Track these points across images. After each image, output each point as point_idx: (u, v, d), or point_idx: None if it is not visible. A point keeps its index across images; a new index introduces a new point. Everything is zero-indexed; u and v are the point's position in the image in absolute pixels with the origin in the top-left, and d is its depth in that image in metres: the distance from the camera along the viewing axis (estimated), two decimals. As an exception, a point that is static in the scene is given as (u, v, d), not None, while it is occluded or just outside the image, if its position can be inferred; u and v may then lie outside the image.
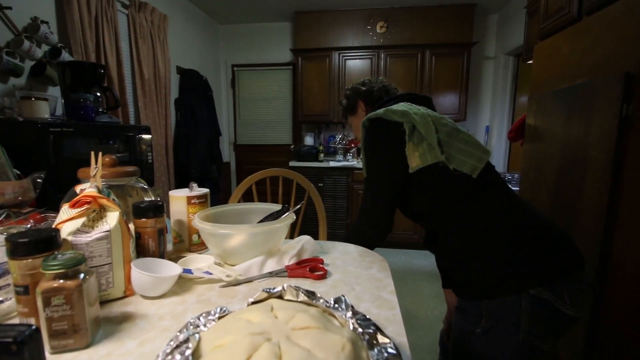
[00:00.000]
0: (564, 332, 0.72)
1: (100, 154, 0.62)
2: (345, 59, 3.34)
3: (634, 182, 1.01)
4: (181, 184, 2.92)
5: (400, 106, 0.84)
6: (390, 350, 0.38)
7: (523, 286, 0.68)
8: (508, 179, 2.29)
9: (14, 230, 0.63)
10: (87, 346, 0.45)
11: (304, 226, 1.28)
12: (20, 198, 0.92)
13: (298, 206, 0.88)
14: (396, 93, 1.01)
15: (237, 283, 0.66)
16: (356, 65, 3.35)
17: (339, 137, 3.59)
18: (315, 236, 0.96)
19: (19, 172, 1.28)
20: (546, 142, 1.42)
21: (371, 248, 0.89)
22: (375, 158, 0.88)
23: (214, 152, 3.37)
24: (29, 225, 0.76)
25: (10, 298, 0.52)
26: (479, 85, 3.56)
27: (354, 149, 3.50)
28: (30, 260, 0.45)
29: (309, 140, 3.69)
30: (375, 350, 0.38)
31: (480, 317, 0.72)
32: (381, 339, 0.40)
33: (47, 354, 0.44)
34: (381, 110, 0.85)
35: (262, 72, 3.91)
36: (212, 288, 0.64)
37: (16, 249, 0.45)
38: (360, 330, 0.41)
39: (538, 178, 1.48)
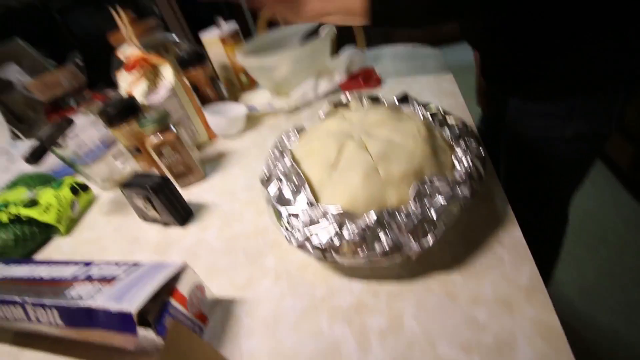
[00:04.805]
0: None
1: (119, 9, 0.58)
2: None
3: None
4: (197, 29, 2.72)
5: None
6: (460, 127, 0.41)
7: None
8: None
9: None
10: (204, 178, 0.56)
11: (340, 40, 1.11)
12: (75, 84, 0.96)
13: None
14: None
15: (298, 107, 0.70)
16: None
17: None
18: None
19: (54, 63, 1.29)
20: None
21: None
22: None
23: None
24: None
25: (126, 162, 0.62)
26: None
27: None
28: (126, 125, 0.52)
29: None
30: (447, 129, 0.41)
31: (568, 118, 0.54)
32: (450, 120, 0.43)
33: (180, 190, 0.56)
34: None
35: None
36: (279, 118, 0.69)
37: (112, 119, 0.51)
38: (429, 117, 0.43)
39: None
